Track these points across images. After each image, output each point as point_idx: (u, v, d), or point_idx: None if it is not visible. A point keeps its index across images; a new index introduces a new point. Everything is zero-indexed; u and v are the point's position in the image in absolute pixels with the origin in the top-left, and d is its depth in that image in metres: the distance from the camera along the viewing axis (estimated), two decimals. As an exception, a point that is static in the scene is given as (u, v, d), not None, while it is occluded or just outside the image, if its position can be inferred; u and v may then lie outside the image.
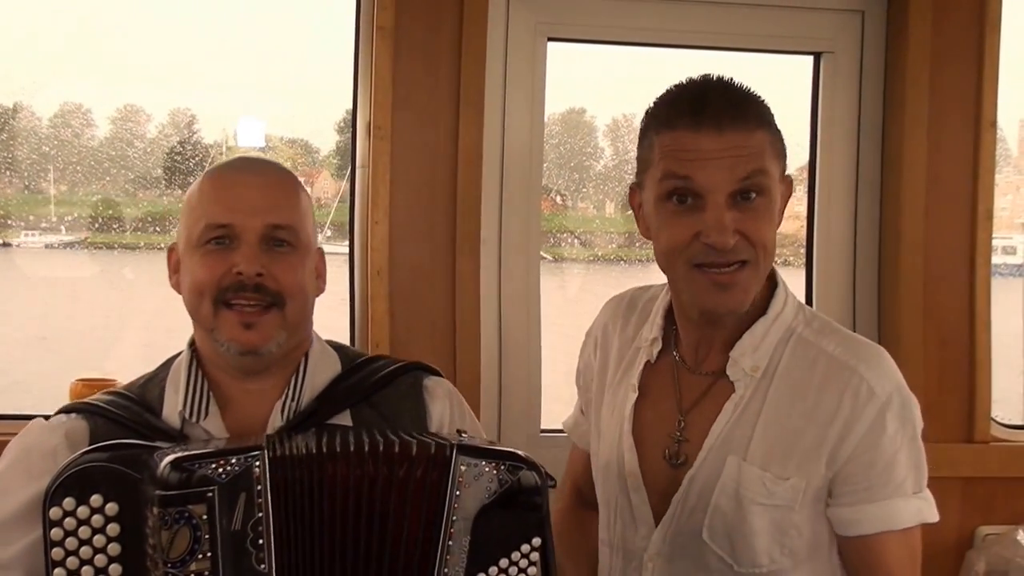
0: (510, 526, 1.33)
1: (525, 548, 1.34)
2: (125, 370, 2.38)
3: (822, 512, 1.50)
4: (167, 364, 1.56)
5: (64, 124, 2.95)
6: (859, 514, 1.47)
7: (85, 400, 1.51)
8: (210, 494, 1.23)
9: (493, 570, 1.33)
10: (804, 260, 2.66)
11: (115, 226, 3.11)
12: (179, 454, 1.25)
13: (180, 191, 3.03)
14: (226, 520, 1.23)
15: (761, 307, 1.53)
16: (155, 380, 1.54)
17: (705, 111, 1.40)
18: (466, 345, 2.39)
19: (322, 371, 1.54)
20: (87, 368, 2.49)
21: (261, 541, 1.25)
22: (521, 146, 2.47)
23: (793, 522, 1.48)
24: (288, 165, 3.25)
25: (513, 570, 1.33)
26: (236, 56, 2.91)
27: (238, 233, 1.44)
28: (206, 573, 1.22)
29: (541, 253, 2.58)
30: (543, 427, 2.55)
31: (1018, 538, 2.44)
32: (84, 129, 2.99)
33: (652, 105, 1.50)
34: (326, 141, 3.29)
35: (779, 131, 1.47)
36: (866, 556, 1.50)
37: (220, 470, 1.24)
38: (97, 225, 3.12)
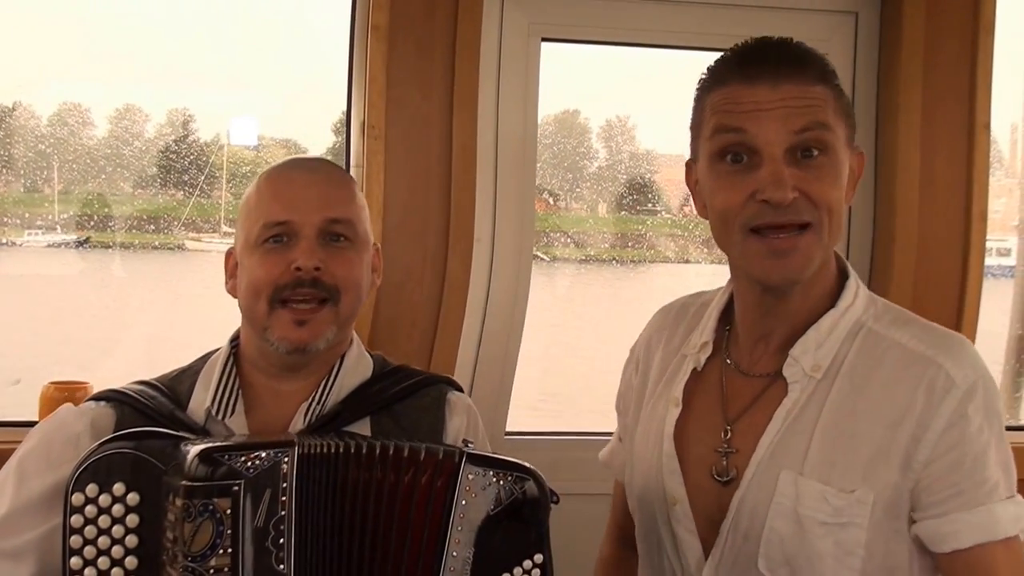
0: (513, 541, 1.32)
1: (527, 564, 1.33)
2: (127, 367, 2.39)
3: (901, 531, 1.31)
4: (204, 358, 1.58)
5: (61, 123, 2.96)
6: (953, 524, 1.27)
7: (116, 388, 1.52)
8: (236, 488, 1.22)
9: None
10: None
11: (110, 224, 3.12)
12: (208, 445, 1.24)
13: (174, 190, 3.04)
14: (250, 516, 1.23)
15: (830, 300, 1.39)
16: (188, 373, 1.56)
17: (760, 63, 1.30)
18: (444, 345, 2.39)
19: (352, 376, 1.56)
20: (85, 369, 2.49)
21: (282, 540, 1.25)
22: (515, 146, 2.47)
23: (862, 542, 1.29)
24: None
25: None
26: (231, 56, 2.91)
27: (297, 229, 1.46)
28: (226, 569, 1.22)
29: (536, 253, 2.58)
30: (508, 429, 2.56)
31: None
32: (83, 128, 3.00)
33: (703, 73, 1.39)
34: (321, 141, 3.30)
35: (845, 93, 1.36)
36: (968, 574, 1.29)
37: (249, 464, 1.24)
38: (92, 224, 3.13)
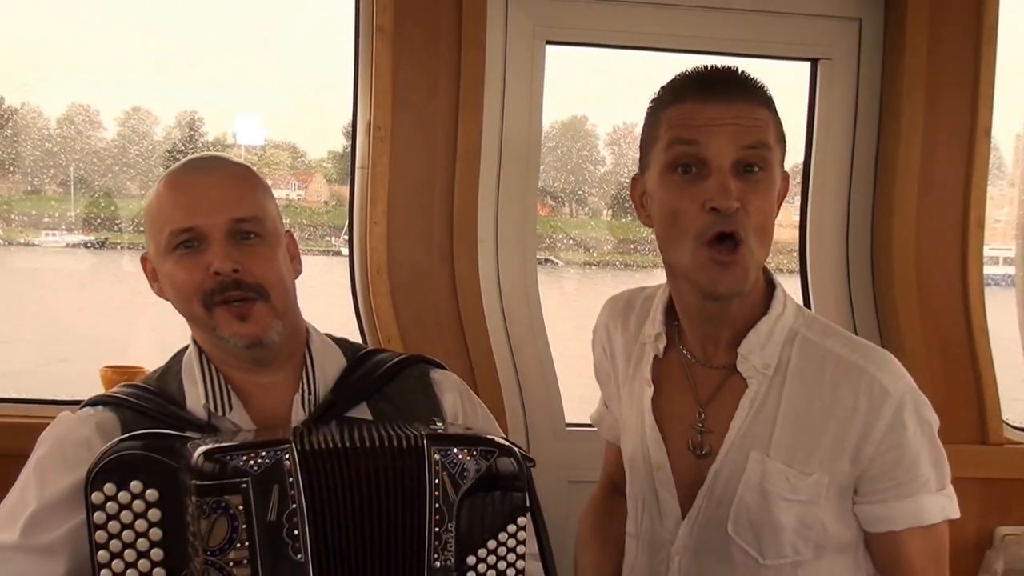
0: (493, 510, 1.36)
1: (511, 528, 1.36)
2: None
3: (848, 509, 1.52)
4: (177, 358, 1.58)
5: (69, 122, 2.98)
6: (888, 511, 1.50)
7: (109, 393, 1.53)
8: (244, 485, 1.25)
9: (482, 552, 1.35)
10: (798, 264, 2.68)
11: (118, 224, 3.14)
12: (211, 445, 1.28)
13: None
14: (262, 511, 1.26)
15: (762, 307, 1.55)
16: (170, 373, 1.56)
17: (714, 84, 1.43)
18: (476, 341, 2.42)
19: (329, 362, 1.57)
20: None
21: (296, 532, 1.27)
22: (519, 148, 2.49)
23: (818, 516, 1.50)
24: (287, 165, 3.29)
25: (502, 550, 1.36)
26: (237, 57, 2.93)
27: (204, 233, 1.45)
28: (244, 561, 1.25)
29: (551, 258, 2.59)
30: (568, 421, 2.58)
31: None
32: (91, 129, 3.02)
33: (658, 91, 1.51)
34: (328, 142, 3.31)
35: (781, 121, 1.49)
36: (893, 551, 1.53)
37: (252, 462, 1.27)
38: (100, 223, 3.15)
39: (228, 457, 1.26)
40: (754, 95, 1.44)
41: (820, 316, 1.62)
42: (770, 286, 1.57)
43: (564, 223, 3.23)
